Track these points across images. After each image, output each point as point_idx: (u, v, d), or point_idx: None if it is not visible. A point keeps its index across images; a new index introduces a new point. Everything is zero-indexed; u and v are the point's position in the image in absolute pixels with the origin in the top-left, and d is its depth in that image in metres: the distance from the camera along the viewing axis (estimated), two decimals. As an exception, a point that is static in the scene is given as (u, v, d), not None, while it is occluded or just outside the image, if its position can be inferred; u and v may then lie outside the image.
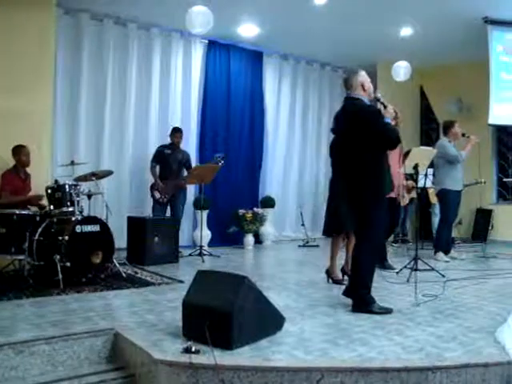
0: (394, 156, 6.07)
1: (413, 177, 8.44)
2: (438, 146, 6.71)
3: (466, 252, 7.46)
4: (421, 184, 6.55)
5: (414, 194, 8.61)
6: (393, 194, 6.04)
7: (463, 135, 6.80)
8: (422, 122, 10.58)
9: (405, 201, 8.26)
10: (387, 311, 3.81)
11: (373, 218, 3.89)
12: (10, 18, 5.94)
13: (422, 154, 6.02)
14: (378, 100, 4.07)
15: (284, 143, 9.41)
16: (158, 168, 7.20)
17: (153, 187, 7.10)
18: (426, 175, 6.69)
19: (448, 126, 6.84)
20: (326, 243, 5.98)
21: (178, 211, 7.15)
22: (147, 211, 7.24)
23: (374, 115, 3.90)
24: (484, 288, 4.90)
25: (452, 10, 7.11)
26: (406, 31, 7.89)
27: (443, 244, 6.79)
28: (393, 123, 5.50)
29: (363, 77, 4.03)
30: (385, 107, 4.02)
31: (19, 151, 5.68)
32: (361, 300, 3.88)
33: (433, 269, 5.55)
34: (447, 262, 6.50)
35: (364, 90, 4.01)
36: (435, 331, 3.32)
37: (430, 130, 10.53)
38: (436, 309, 3.97)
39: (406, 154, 8.44)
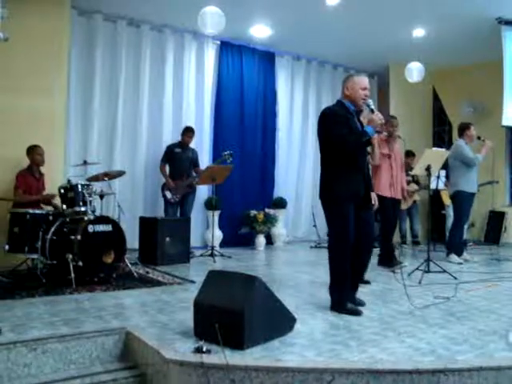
0: (396, 158, 6.05)
1: (414, 179, 8.50)
2: (455, 147, 6.67)
3: (478, 254, 7.40)
4: (433, 186, 6.49)
5: (416, 197, 8.65)
6: (396, 196, 5.99)
7: (478, 138, 6.77)
8: (435, 123, 10.51)
9: (408, 203, 8.29)
10: (356, 312, 3.79)
11: (330, 217, 3.96)
12: (25, 18, 6.00)
13: (435, 156, 5.97)
14: (368, 106, 4.05)
15: (297, 144, 9.40)
16: (167, 167, 7.23)
17: (164, 187, 7.13)
18: (438, 177, 6.65)
19: (464, 128, 6.80)
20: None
21: (188, 211, 7.17)
22: (161, 211, 7.27)
23: (328, 118, 3.95)
24: (496, 291, 4.85)
25: (465, 11, 7.08)
26: (418, 32, 7.86)
27: (457, 246, 6.74)
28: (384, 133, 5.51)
29: (352, 82, 4.00)
30: (372, 113, 3.99)
31: (33, 151, 5.74)
32: (332, 296, 3.94)
33: (445, 271, 5.51)
34: (461, 263, 6.45)
35: (347, 94, 4.01)
36: (447, 333, 3.29)
37: (442, 132, 10.47)
38: (448, 311, 3.94)
39: (408, 155, 8.45)
